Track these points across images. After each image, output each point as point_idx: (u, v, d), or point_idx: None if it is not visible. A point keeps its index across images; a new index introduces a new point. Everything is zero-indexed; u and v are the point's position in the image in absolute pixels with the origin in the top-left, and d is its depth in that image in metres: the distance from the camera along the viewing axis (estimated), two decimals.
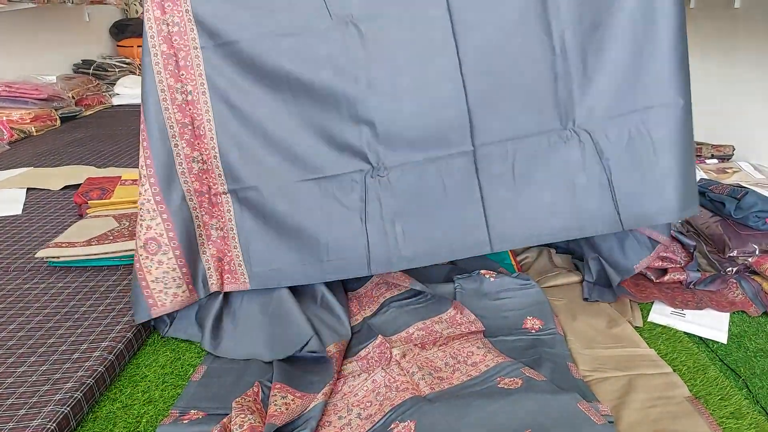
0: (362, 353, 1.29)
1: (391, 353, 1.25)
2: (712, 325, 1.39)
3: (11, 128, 3.24)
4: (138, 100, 4.64)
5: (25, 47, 4.00)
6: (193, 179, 1.35)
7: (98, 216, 1.91)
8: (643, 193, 1.30)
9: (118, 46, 5.21)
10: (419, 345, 1.28)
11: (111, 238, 1.71)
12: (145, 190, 1.32)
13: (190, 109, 1.33)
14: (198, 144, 1.34)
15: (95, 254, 1.65)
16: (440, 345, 1.28)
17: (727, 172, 1.86)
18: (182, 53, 1.31)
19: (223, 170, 1.36)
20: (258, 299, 1.41)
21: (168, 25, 1.28)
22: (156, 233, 1.33)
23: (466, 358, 1.24)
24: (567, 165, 1.31)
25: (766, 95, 2.08)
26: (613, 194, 1.31)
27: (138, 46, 5.08)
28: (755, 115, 2.12)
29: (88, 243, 1.69)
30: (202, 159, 1.35)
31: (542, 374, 1.16)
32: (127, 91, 4.53)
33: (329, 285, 1.44)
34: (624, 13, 1.27)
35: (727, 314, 1.43)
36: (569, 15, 1.28)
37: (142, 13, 1.31)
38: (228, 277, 1.41)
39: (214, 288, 1.41)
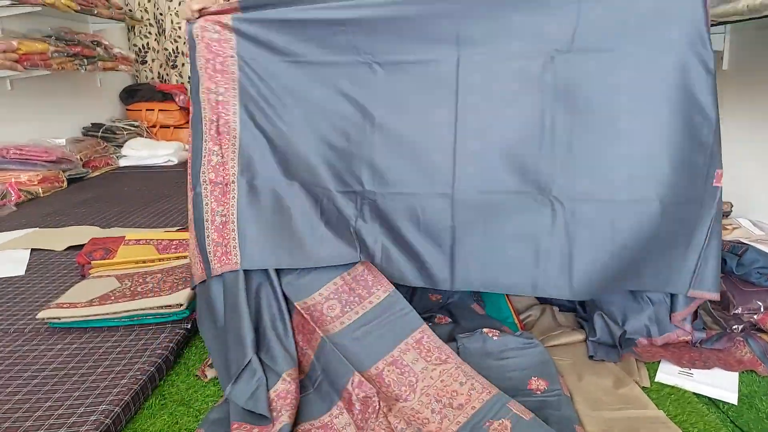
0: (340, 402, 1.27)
1: (379, 404, 1.22)
2: (721, 385, 1.36)
3: (19, 190, 3.29)
4: (144, 162, 4.74)
5: (38, 112, 4.12)
6: (210, 170, 1.51)
7: (101, 276, 1.91)
8: (599, 273, 1.41)
9: (127, 109, 5.35)
10: (402, 398, 1.25)
11: (113, 298, 1.71)
12: (187, 182, 1.55)
13: (218, 108, 1.51)
14: (219, 139, 1.51)
15: (96, 315, 1.64)
16: (422, 389, 1.27)
17: (727, 229, 1.87)
18: (219, 59, 1.50)
19: (239, 161, 1.52)
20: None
21: (209, 31, 1.49)
22: (191, 215, 1.52)
23: (450, 400, 1.22)
24: (535, 227, 1.42)
25: (760, 153, 2.11)
26: (571, 266, 1.41)
27: (147, 110, 5.23)
28: (751, 172, 2.15)
29: (90, 304, 1.68)
30: (221, 153, 1.51)
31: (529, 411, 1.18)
32: (133, 153, 4.62)
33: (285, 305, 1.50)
34: (616, 104, 1.34)
35: (736, 373, 1.40)
36: (564, 96, 1.37)
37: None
38: (223, 259, 1.49)
39: (214, 272, 1.50)
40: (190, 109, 1.55)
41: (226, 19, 1.49)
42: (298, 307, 1.43)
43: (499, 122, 1.41)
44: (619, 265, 1.40)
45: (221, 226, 1.50)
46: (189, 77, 1.60)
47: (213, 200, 1.50)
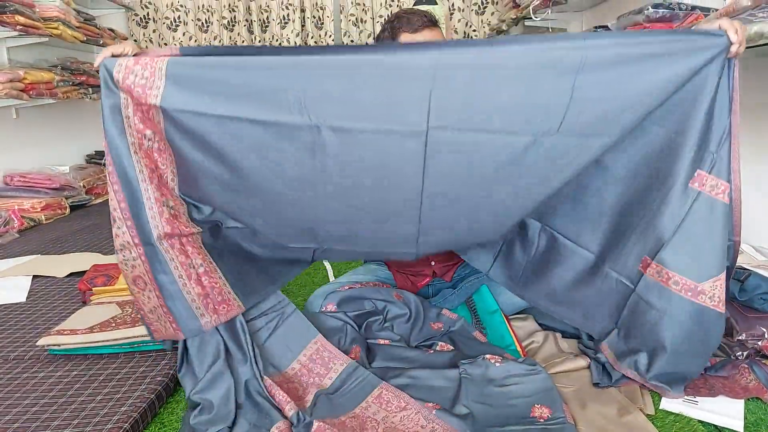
0: None
1: None
2: (726, 412, 1.35)
3: (22, 216, 3.31)
4: None
5: (42, 139, 4.16)
6: (165, 222, 1.33)
7: (102, 303, 1.91)
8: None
9: None
10: None
11: (113, 325, 1.70)
12: (123, 232, 1.33)
13: (156, 157, 1.30)
14: (163, 190, 1.33)
15: (97, 342, 1.63)
16: (383, 429, 1.27)
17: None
18: (144, 107, 1.25)
19: (188, 214, 1.40)
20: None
21: (136, 75, 1.22)
22: (140, 272, 1.36)
23: None
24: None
25: (761, 179, 2.12)
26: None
27: None
28: (752, 197, 2.16)
29: (90, 330, 1.68)
30: (170, 204, 1.35)
31: None
32: None
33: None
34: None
35: (742, 401, 1.39)
36: (547, 175, 1.33)
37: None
38: (224, 308, 1.43)
39: (211, 325, 1.42)
40: (108, 154, 1.29)
41: (161, 62, 1.21)
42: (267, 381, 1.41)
43: (468, 208, 1.38)
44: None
45: (204, 277, 1.39)
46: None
47: (178, 253, 1.36)
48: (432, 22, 1.62)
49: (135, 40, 5.52)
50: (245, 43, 5.72)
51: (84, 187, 4.02)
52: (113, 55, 1.26)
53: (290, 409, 1.29)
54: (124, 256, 1.34)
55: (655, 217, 1.31)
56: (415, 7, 4.67)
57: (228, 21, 5.72)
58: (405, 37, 1.62)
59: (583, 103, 1.16)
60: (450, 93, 1.15)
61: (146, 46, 5.63)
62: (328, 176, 1.27)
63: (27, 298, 2.16)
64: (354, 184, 1.29)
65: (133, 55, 1.26)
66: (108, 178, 1.30)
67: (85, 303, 2.03)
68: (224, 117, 1.21)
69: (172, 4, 5.64)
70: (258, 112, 1.20)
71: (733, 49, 1.16)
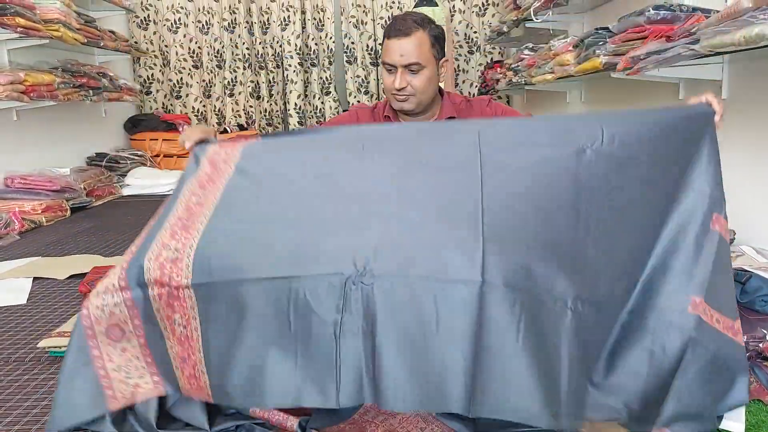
0: None
1: None
2: (728, 414, 1.34)
3: (22, 219, 3.31)
4: (147, 191, 4.77)
5: (43, 141, 4.17)
6: (157, 267, 1.21)
7: None
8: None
9: (131, 139, 5.41)
10: None
11: None
12: (114, 274, 1.24)
13: (193, 209, 1.30)
14: (181, 234, 1.26)
15: None
16: None
17: (731, 257, 1.86)
18: (219, 171, 1.36)
19: (194, 261, 1.20)
20: None
21: (219, 154, 1.39)
22: (120, 320, 1.23)
23: None
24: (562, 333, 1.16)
25: (761, 181, 2.12)
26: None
27: (151, 139, 5.28)
28: (753, 199, 2.16)
29: None
30: (176, 248, 1.23)
31: None
32: (137, 181, 4.66)
33: None
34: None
35: None
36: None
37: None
38: (193, 383, 1.22)
39: (185, 392, 1.25)
40: (157, 214, 1.35)
41: (240, 145, 1.39)
42: None
43: (523, 213, 1.24)
44: None
45: (183, 339, 1.21)
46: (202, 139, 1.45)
47: (164, 305, 1.21)
48: (419, 26, 1.62)
49: (135, 42, 5.53)
50: (245, 45, 5.73)
51: (84, 189, 4.03)
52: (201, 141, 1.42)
53: (292, 424, 1.26)
54: (105, 301, 1.22)
55: (690, 260, 1.28)
56: (415, 8, 4.68)
57: (228, 23, 5.73)
58: (389, 42, 1.64)
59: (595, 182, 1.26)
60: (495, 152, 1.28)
61: (147, 48, 5.65)
62: (379, 187, 1.30)
63: (28, 300, 2.17)
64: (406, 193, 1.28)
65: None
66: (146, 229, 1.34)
67: None
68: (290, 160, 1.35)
69: (172, 5, 5.65)
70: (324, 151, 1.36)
71: (716, 118, 1.32)
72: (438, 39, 1.65)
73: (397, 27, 1.62)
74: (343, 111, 5.94)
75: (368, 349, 1.11)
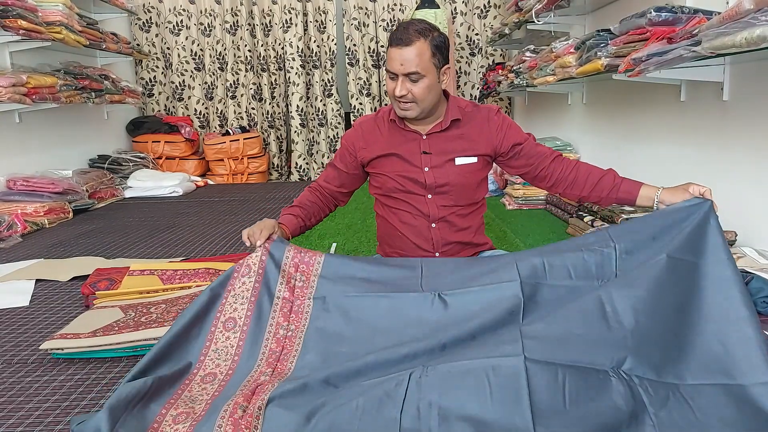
0: None
1: None
2: None
3: (25, 221, 3.32)
4: (149, 193, 4.78)
5: (45, 144, 4.17)
6: (250, 394, 1.31)
7: (105, 307, 1.91)
8: None
9: (133, 141, 5.42)
10: None
11: (116, 329, 1.71)
12: (212, 388, 1.36)
13: (285, 343, 1.47)
14: (275, 365, 1.43)
15: (100, 346, 1.64)
16: None
17: None
18: (298, 302, 1.51)
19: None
20: None
21: (296, 280, 1.54)
22: (193, 410, 1.30)
23: None
24: (613, 405, 1.23)
25: (763, 183, 2.12)
26: None
27: (153, 142, 5.29)
28: (754, 202, 2.16)
29: (94, 334, 1.68)
30: (270, 372, 1.41)
31: None
32: (139, 184, 4.67)
33: None
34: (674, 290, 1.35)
35: None
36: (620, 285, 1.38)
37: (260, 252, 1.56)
38: None
39: None
40: (248, 316, 1.49)
41: (317, 262, 1.56)
42: None
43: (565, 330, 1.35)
44: None
45: (239, 421, 1.25)
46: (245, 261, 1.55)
47: (241, 395, 1.30)
48: (420, 35, 1.65)
49: (137, 44, 5.55)
50: (247, 47, 5.74)
51: (87, 191, 4.04)
52: (269, 237, 1.57)
53: None
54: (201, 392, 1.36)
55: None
56: (416, 11, 4.68)
57: (230, 25, 5.73)
58: (391, 50, 1.67)
59: (624, 255, 1.44)
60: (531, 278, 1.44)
61: (149, 51, 5.66)
62: (440, 333, 1.39)
63: (30, 301, 2.17)
64: (462, 334, 1.39)
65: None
66: (234, 349, 1.45)
67: (88, 307, 2.03)
68: (360, 294, 1.51)
69: (174, 8, 5.66)
70: (387, 290, 1.52)
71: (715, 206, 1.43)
72: (439, 48, 1.67)
73: (399, 36, 1.64)
74: (345, 113, 5.95)
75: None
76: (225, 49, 5.78)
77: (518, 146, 1.75)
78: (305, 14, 5.71)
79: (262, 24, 5.72)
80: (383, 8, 5.70)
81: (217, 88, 5.85)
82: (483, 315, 1.40)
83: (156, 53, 5.73)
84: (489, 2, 5.70)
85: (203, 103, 5.87)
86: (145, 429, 1.25)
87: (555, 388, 1.22)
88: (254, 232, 1.56)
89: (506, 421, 1.18)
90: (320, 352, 1.45)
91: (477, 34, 5.78)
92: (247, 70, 5.81)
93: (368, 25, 5.74)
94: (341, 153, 1.85)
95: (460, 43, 5.78)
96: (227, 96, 5.86)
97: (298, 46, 5.70)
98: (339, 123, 5.90)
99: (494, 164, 1.84)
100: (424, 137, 1.75)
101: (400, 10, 5.69)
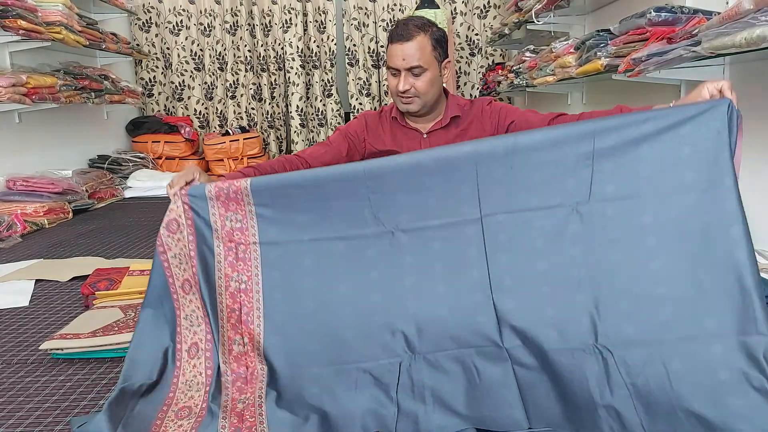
0: None
1: None
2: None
3: (25, 221, 3.31)
4: (149, 193, 4.77)
5: (45, 144, 4.17)
6: (233, 360, 1.39)
7: (105, 307, 1.91)
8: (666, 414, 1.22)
9: (133, 141, 5.42)
10: None
11: (116, 329, 1.71)
12: (199, 363, 1.40)
13: (241, 297, 1.42)
14: (241, 329, 1.41)
15: (100, 346, 1.64)
16: None
17: None
18: (242, 247, 1.43)
19: (264, 355, 1.40)
20: None
21: (231, 221, 1.43)
22: (194, 403, 1.35)
23: None
24: (590, 381, 1.25)
25: (762, 181, 2.12)
26: (640, 417, 1.21)
27: (153, 142, 5.28)
28: (754, 201, 2.16)
29: (93, 334, 1.68)
30: (243, 342, 1.41)
31: None
32: (139, 184, 4.66)
33: None
34: (645, 246, 1.29)
35: None
36: (590, 246, 1.32)
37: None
38: None
39: None
40: (194, 273, 1.42)
41: (245, 192, 1.40)
42: None
43: (532, 279, 1.34)
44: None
45: (243, 412, 1.31)
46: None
47: (235, 390, 1.36)
48: (420, 30, 1.67)
49: (137, 44, 5.54)
50: (247, 47, 5.74)
51: (87, 191, 4.03)
52: (186, 183, 1.44)
53: None
54: (189, 385, 1.38)
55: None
56: (416, 11, 4.68)
57: (230, 25, 5.73)
58: (392, 47, 1.68)
59: (604, 174, 1.32)
60: (493, 187, 1.36)
61: (149, 51, 5.66)
62: (407, 270, 1.39)
63: (30, 302, 2.17)
64: (428, 272, 1.39)
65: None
66: (201, 310, 1.42)
67: (87, 307, 2.03)
68: (315, 240, 1.41)
69: (174, 8, 5.66)
70: (342, 231, 1.41)
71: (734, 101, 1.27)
72: (439, 42, 1.69)
73: (399, 32, 1.66)
74: (345, 113, 5.95)
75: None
76: (225, 49, 5.77)
77: (512, 123, 1.72)
78: (305, 14, 5.71)
79: (262, 24, 5.71)
80: (383, 8, 5.70)
81: (216, 88, 5.85)
82: (447, 258, 1.37)
83: (156, 53, 5.73)
84: (489, 2, 5.70)
85: (203, 103, 5.86)
86: (148, 428, 1.25)
87: (540, 387, 1.27)
88: (172, 180, 1.46)
89: (494, 400, 1.25)
90: (286, 314, 1.40)
91: (477, 34, 5.78)
92: (246, 71, 5.81)
93: (368, 25, 5.74)
94: (340, 136, 1.80)
95: (459, 43, 5.78)
96: (227, 96, 5.86)
97: (297, 47, 5.70)
98: (339, 123, 5.90)
99: None
100: (425, 135, 1.76)
101: (399, 10, 5.69)
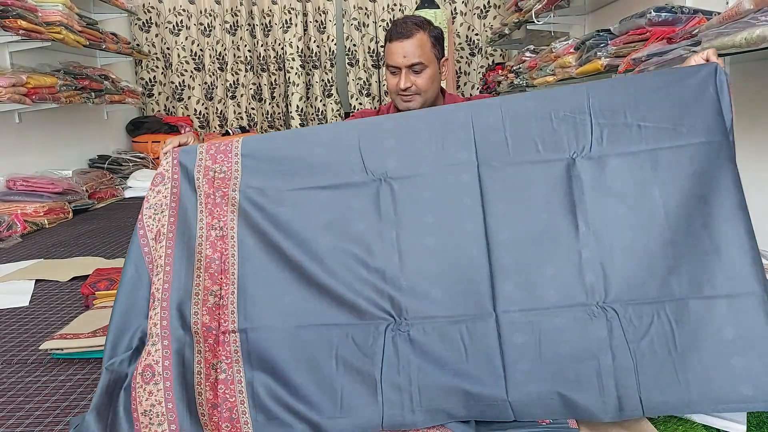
0: None
1: None
2: (729, 415, 1.34)
3: (25, 221, 3.31)
4: None
5: (45, 144, 4.17)
6: (205, 312, 1.29)
7: (104, 307, 1.91)
8: (667, 384, 1.19)
9: (133, 141, 5.42)
10: None
11: None
12: (155, 314, 1.27)
13: (220, 245, 1.35)
14: (220, 278, 1.33)
15: (100, 346, 1.64)
16: None
17: None
18: (220, 192, 1.37)
19: (237, 307, 1.30)
20: None
21: (215, 171, 1.38)
22: (153, 360, 1.24)
23: None
24: (593, 343, 1.22)
25: (763, 181, 2.12)
26: (638, 380, 1.20)
27: (153, 142, 5.28)
28: (754, 201, 2.16)
29: (93, 334, 1.68)
30: (220, 294, 1.32)
31: None
32: (139, 184, 4.67)
33: None
34: (648, 197, 1.26)
35: None
36: (594, 195, 1.28)
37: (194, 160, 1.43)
38: (227, 426, 1.23)
39: None
40: (171, 223, 1.36)
41: (235, 144, 1.39)
42: None
43: (531, 233, 1.29)
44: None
45: (221, 384, 1.26)
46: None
47: (207, 349, 1.26)
48: (419, 27, 1.68)
49: (137, 44, 5.54)
50: (247, 47, 5.75)
51: (87, 191, 4.03)
52: (180, 144, 1.43)
53: None
54: (147, 341, 1.27)
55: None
56: (416, 11, 4.68)
57: (230, 25, 5.74)
58: (392, 45, 1.69)
59: (603, 128, 1.30)
60: (489, 133, 1.32)
61: (149, 51, 5.66)
62: (394, 221, 1.33)
63: (30, 302, 2.17)
64: (418, 223, 1.32)
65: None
66: (163, 260, 1.32)
67: (87, 307, 2.03)
68: (297, 189, 1.35)
69: (174, 8, 5.66)
70: (325, 180, 1.35)
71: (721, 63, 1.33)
72: (438, 39, 1.71)
73: (398, 30, 1.68)
74: (345, 114, 5.95)
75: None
76: (225, 50, 5.78)
77: None
78: (305, 14, 5.71)
79: (262, 24, 5.72)
80: (383, 8, 5.70)
81: (216, 88, 5.85)
82: (438, 208, 1.31)
83: (156, 53, 5.73)
84: (489, 2, 5.70)
85: (203, 104, 5.87)
86: (130, 403, 1.23)
87: (531, 346, 1.22)
88: (165, 143, 1.45)
89: (484, 387, 1.22)
90: (258, 264, 1.32)
91: (477, 35, 5.79)
92: (246, 71, 5.81)
93: (368, 25, 5.74)
94: None
95: (460, 43, 5.78)
96: (227, 96, 5.86)
97: (297, 47, 5.70)
98: None
99: None
100: None
101: (400, 10, 5.69)
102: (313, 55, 5.78)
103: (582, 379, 1.21)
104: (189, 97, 5.84)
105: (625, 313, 1.22)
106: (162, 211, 1.38)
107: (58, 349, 1.64)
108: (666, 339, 1.20)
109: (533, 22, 3.71)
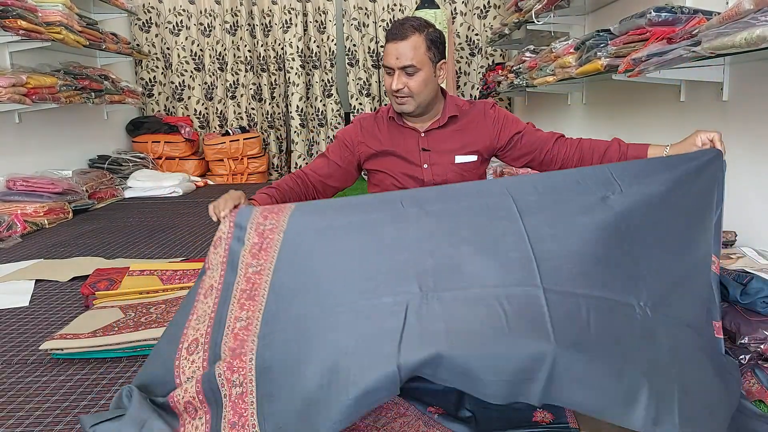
0: None
1: None
2: None
3: (25, 221, 3.32)
4: (149, 193, 4.75)
5: (45, 144, 4.17)
6: (232, 338, 1.30)
7: (105, 307, 1.91)
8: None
9: (133, 141, 5.42)
10: None
11: (116, 329, 1.71)
12: (198, 358, 1.32)
13: (253, 279, 1.37)
14: (248, 304, 1.35)
15: (100, 346, 1.64)
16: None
17: (732, 258, 1.86)
18: (267, 240, 1.39)
19: (262, 320, 1.30)
20: None
21: (265, 226, 1.40)
22: (190, 396, 1.27)
23: None
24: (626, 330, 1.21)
25: (763, 182, 2.12)
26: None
27: (153, 142, 5.29)
28: (754, 201, 2.16)
29: (93, 334, 1.68)
30: (247, 317, 1.33)
31: None
32: (138, 184, 4.67)
33: None
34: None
35: None
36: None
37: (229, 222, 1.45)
38: None
39: None
40: (221, 275, 1.40)
41: (288, 209, 1.42)
42: None
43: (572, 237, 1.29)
44: None
45: (237, 399, 1.24)
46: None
47: (226, 368, 1.25)
48: (415, 29, 1.68)
49: (137, 44, 5.54)
50: (247, 47, 5.74)
51: (87, 191, 4.04)
52: (235, 206, 1.46)
53: None
54: (188, 382, 1.29)
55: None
56: (416, 11, 4.68)
57: (230, 25, 5.73)
58: (387, 45, 1.69)
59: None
60: (528, 209, 1.34)
61: (149, 51, 5.66)
62: (428, 235, 1.31)
63: (30, 302, 2.17)
64: (452, 235, 1.30)
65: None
66: (210, 308, 1.37)
67: (87, 307, 2.03)
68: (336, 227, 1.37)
69: (174, 8, 5.66)
70: (363, 214, 1.40)
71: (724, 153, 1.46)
72: (435, 42, 1.69)
73: (395, 31, 1.68)
74: (345, 114, 5.95)
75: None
76: (225, 50, 5.77)
77: (517, 135, 1.76)
78: (305, 14, 5.71)
79: (262, 24, 5.71)
80: (383, 8, 5.70)
81: (216, 88, 5.85)
82: (474, 219, 1.31)
83: (156, 53, 5.73)
84: (489, 2, 5.70)
85: (203, 104, 5.87)
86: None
87: (578, 321, 1.14)
88: (218, 204, 1.47)
89: (526, 352, 1.07)
90: (293, 273, 1.32)
91: (477, 35, 5.78)
92: (246, 71, 5.81)
93: (368, 26, 5.74)
94: (337, 146, 1.84)
95: (459, 44, 5.78)
96: (227, 96, 5.86)
97: (297, 47, 5.70)
98: (339, 123, 5.90)
99: (495, 163, 1.86)
100: (423, 135, 1.76)
101: (399, 10, 5.69)
102: (313, 55, 5.78)
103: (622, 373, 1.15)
104: (189, 97, 5.84)
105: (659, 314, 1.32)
106: (216, 269, 1.42)
107: (58, 349, 1.64)
108: (691, 349, 1.31)
109: (533, 22, 3.71)
